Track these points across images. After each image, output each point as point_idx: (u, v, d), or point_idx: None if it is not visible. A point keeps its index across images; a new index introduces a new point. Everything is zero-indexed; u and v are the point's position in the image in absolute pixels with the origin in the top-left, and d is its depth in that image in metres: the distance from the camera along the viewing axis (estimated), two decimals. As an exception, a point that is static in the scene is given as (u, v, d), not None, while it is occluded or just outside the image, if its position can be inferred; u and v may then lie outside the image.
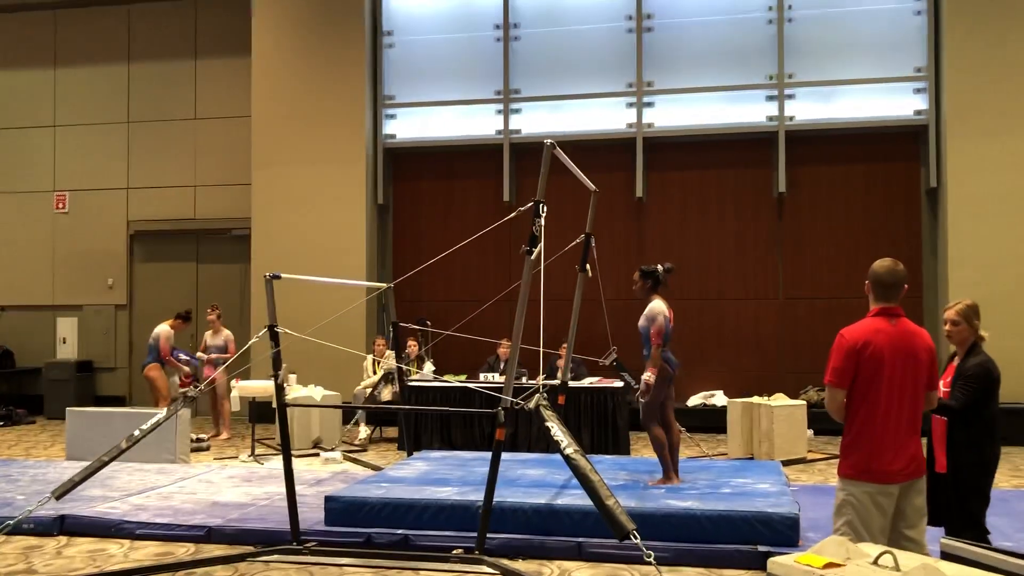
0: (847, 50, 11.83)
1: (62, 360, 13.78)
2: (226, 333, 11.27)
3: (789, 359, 12.00)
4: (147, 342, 11.20)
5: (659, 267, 6.95)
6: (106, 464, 5.59)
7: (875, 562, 3.01)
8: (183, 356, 11.01)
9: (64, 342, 14.22)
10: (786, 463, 8.49)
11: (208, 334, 11.28)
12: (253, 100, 12.87)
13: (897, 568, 2.94)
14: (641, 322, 6.82)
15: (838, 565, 3.00)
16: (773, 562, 3.13)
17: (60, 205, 14.26)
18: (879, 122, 11.77)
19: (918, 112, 11.66)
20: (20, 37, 14.43)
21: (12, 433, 11.86)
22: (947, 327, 4.68)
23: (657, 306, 6.76)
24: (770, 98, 12.01)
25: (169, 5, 13.95)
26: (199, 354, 11.12)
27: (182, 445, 9.09)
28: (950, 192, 11.15)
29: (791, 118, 11.95)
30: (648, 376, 6.62)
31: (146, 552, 5.84)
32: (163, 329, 10.91)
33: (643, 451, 9.92)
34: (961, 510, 4.51)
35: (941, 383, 4.66)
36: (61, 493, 5.39)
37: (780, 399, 9.65)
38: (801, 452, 9.26)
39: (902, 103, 11.72)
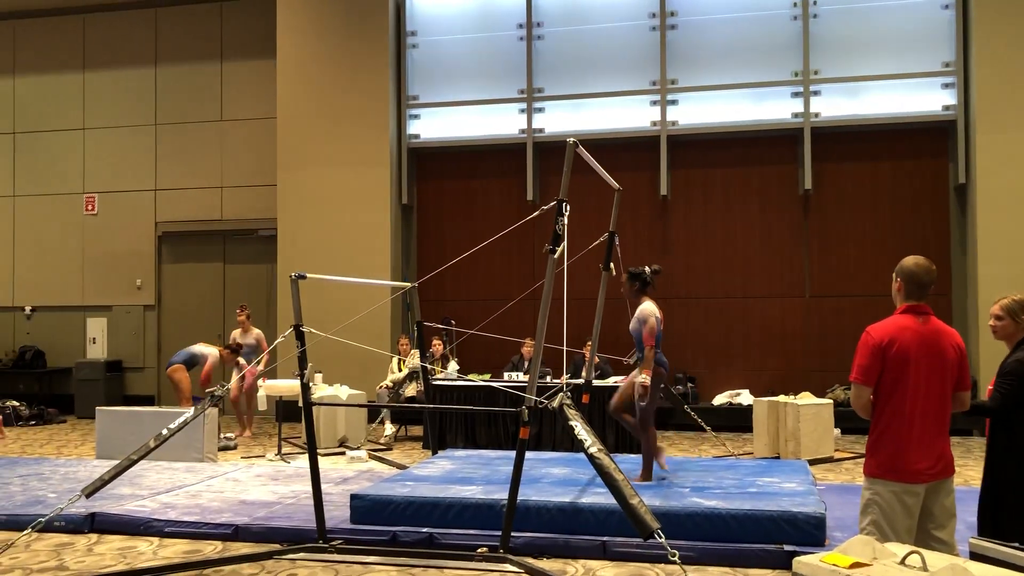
0: (873, 45, 11.72)
1: (92, 360, 13.96)
2: (256, 332, 11.37)
3: (815, 357, 11.91)
4: (180, 346, 11.35)
5: (647, 269, 6.93)
6: (135, 463, 5.65)
7: (902, 562, 2.98)
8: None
9: (94, 342, 14.41)
10: (813, 462, 8.43)
11: (237, 333, 11.38)
12: (278, 102, 12.97)
13: (925, 568, 2.91)
14: (632, 325, 6.80)
15: (865, 565, 2.97)
16: (799, 562, 3.11)
17: (90, 207, 14.45)
18: (906, 118, 11.65)
19: (946, 107, 11.52)
20: (50, 42, 14.64)
21: (44, 432, 12.03)
22: (991, 322, 4.54)
23: (648, 308, 6.75)
24: (795, 95, 11.92)
25: (195, 9, 14.09)
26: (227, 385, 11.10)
27: (209, 444, 9.18)
28: (979, 188, 11.01)
29: (817, 115, 11.85)
30: (644, 379, 6.62)
31: (174, 550, 5.90)
32: (213, 353, 10.94)
33: (668, 450, 9.88)
34: (996, 519, 4.30)
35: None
36: (91, 491, 5.47)
37: (806, 398, 9.59)
38: (828, 451, 9.19)
39: (930, 98, 11.59)
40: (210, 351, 10.99)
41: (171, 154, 14.17)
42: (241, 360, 10.96)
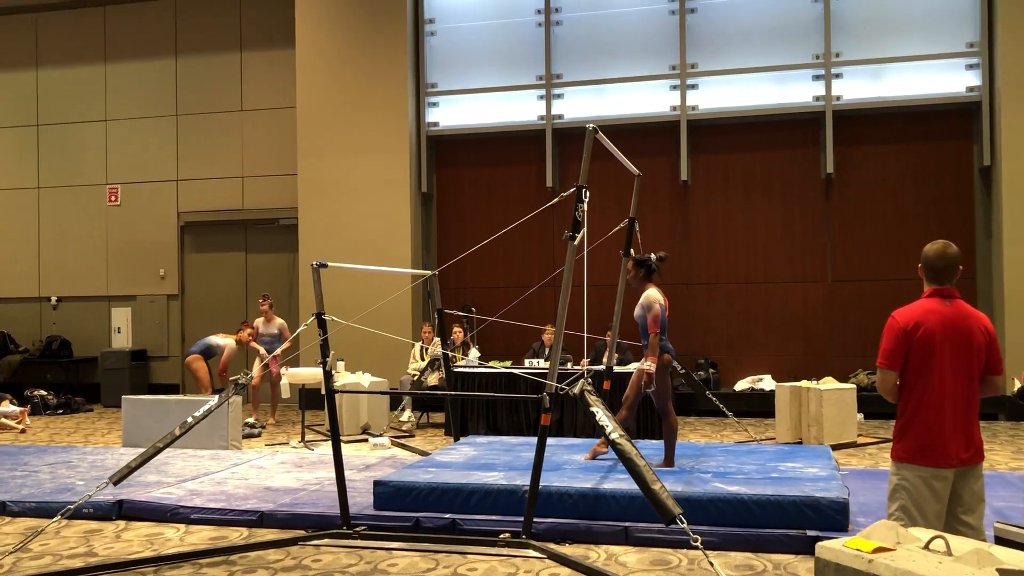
0: (895, 26, 11.58)
1: (117, 349, 14.11)
2: (279, 321, 11.44)
3: (838, 342, 11.84)
4: (204, 335, 11.48)
5: (652, 256, 6.91)
6: (161, 450, 5.72)
7: (926, 547, 2.97)
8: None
9: (119, 332, 14.56)
10: (836, 447, 8.41)
11: (260, 322, 11.45)
12: (298, 91, 13.01)
13: (949, 553, 2.90)
14: (637, 311, 6.80)
15: (888, 549, 2.97)
16: (822, 547, 3.11)
17: (113, 198, 14.57)
18: (930, 100, 11.51)
19: (971, 89, 11.37)
20: (71, 35, 14.74)
21: (71, 421, 12.19)
22: None
23: (652, 294, 6.75)
24: (816, 77, 11.81)
25: (214, -2, 14.15)
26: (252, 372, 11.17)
27: (234, 432, 9.26)
28: (1004, 170, 10.88)
29: (838, 98, 11.74)
30: (648, 365, 6.62)
31: (201, 536, 5.97)
32: (230, 344, 11.16)
33: (689, 436, 9.89)
34: None
35: None
36: (119, 479, 5.54)
37: (829, 383, 9.54)
38: (851, 436, 9.14)
39: (954, 80, 11.44)
40: (226, 342, 11.13)
41: (192, 144, 14.26)
42: (262, 349, 11.05)
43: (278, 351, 10.71)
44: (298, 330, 6.97)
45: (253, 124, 13.99)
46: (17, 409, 11.49)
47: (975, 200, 11.54)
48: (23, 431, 11.04)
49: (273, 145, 13.79)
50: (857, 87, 11.74)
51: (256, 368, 10.22)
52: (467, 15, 12.99)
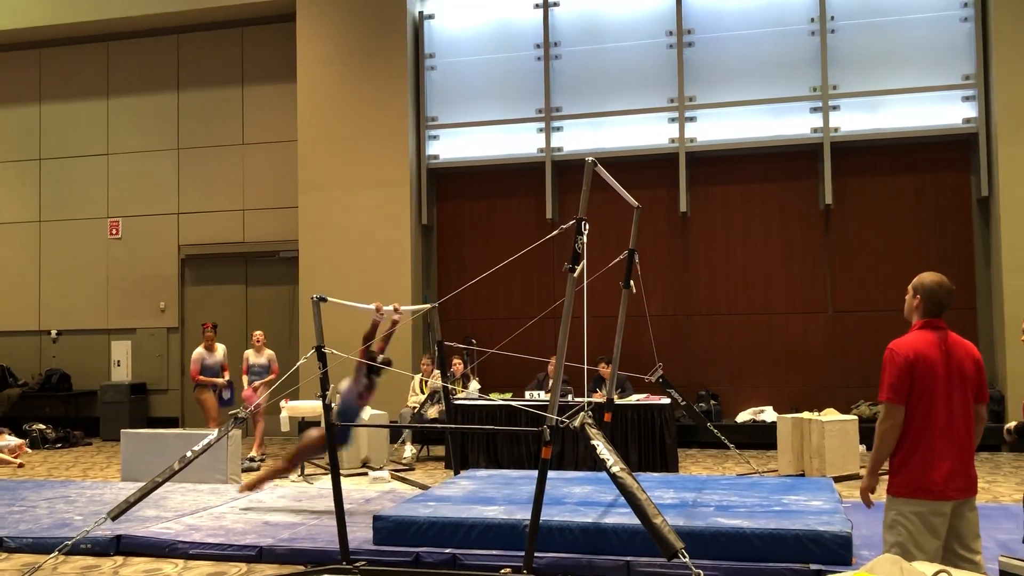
0: (892, 59, 11.68)
1: (116, 383, 14.08)
2: (269, 352, 11.39)
3: (839, 373, 11.81)
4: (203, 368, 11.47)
5: None
6: (160, 485, 5.70)
7: (930, 581, 2.94)
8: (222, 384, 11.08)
9: (118, 365, 14.53)
10: (838, 479, 8.35)
11: (250, 353, 11.40)
12: (299, 125, 13.11)
13: (953, 587, 2.87)
14: None
15: (892, 584, 2.93)
16: (825, 581, 3.08)
17: (114, 231, 14.62)
18: (927, 131, 11.58)
19: (967, 120, 11.45)
20: (74, 69, 14.86)
21: (70, 455, 12.13)
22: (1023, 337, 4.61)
23: None
24: (814, 110, 11.89)
25: (216, 34, 14.28)
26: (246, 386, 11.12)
27: (233, 465, 9.21)
28: (1002, 201, 10.92)
29: (836, 129, 11.81)
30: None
31: (199, 572, 5.92)
32: (197, 351, 11.07)
33: (691, 468, 9.83)
34: None
35: None
36: (117, 514, 5.51)
37: (831, 414, 9.50)
38: (853, 468, 9.09)
39: (950, 111, 11.53)
40: (196, 352, 11.04)
41: (193, 178, 14.32)
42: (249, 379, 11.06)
43: (259, 383, 10.72)
44: (298, 363, 6.96)
45: (254, 157, 14.07)
46: (15, 442, 11.41)
47: (974, 230, 11.58)
48: (20, 465, 10.98)
49: (274, 178, 13.86)
50: (854, 119, 11.82)
51: (247, 394, 10.26)
52: (467, 50, 13.12)
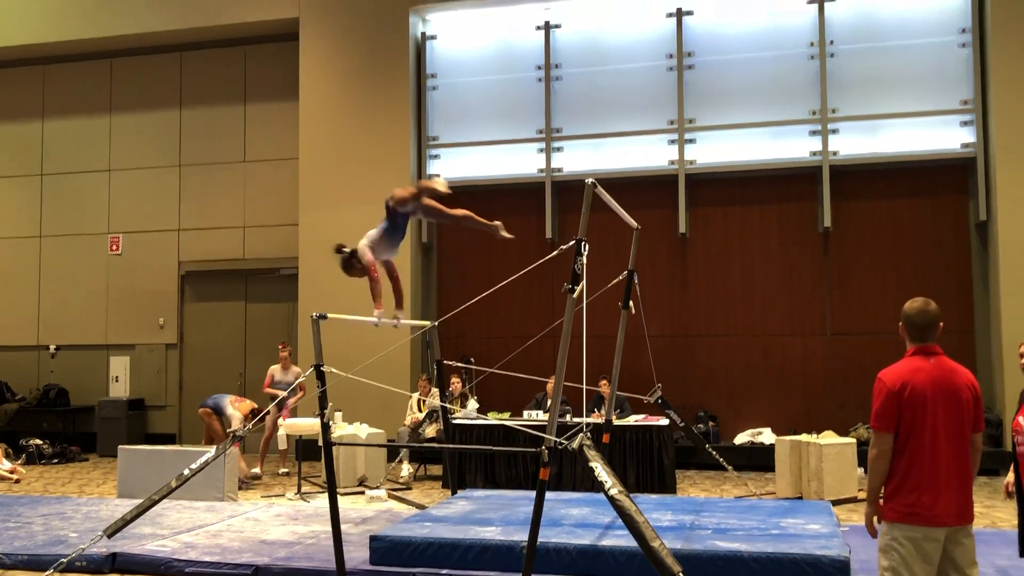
0: (891, 83, 11.75)
1: (114, 398, 14.05)
2: (296, 369, 11.35)
3: (838, 396, 11.80)
4: (202, 384, 11.38)
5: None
6: (156, 503, 5.69)
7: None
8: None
9: (116, 381, 14.51)
10: (836, 503, 8.34)
11: (276, 368, 11.38)
12: (301, 143, 13.16)
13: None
14: None
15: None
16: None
17: (114, 247, 14.64)
18: (925, 155, 11.64)
19: (965, 145, 11.51)
20: (78, 86, 14.93)
21: (66, 471, 12.09)
22: (1022, 361, 4.63)
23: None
24: (813, 133, 11.95)
25: (220, 52, 14.35)
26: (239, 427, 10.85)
27: (230, 483, 9.19)
28: (1001, 225, 10.95)
29: (835, 153, 11.87)
30: None
31: (195, 590, 5.90)
32: (237, 416, 10.66)
33: (689, 490, 9.81)
34: None
35: (1020, 417, 4.57)
36: (113, 531, 5.50)
37: (829, 437, 9.49)
38: (851, 491, 9.07)
39: (948, 136, 11.58)
40: (235, 414, 10.71)
41: (195, 194, 14.36)
42: (279, 392, 10.87)
43: (288, 401, 10.48)
44: (296, 381, 6.96)
45: (256, 175, 14.11)
46: (7, 466, 11.29)
47: (972, 254, 11.61)
48: (17, 481, 10.94)
49: (275, 195, 13.89)
50: (853, 142, 11.88)
51: (270, 416, 10.16)
52: (468, 70, 13.19)
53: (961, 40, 11.57)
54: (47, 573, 5.59)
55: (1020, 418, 4.54)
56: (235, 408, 10.77)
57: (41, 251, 14.92)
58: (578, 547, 5.80)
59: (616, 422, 9.02)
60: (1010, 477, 4.87)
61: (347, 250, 6.75)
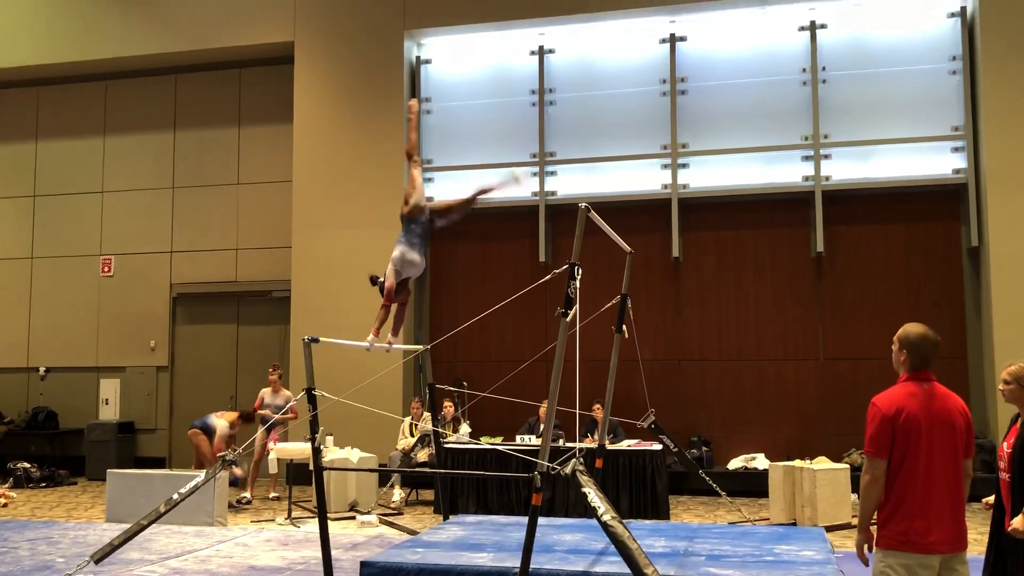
0: (882, 110, 11.84)
1: (104, 421, 13.95)
2: (286, 393, 11.28)
3: (831, 421, 11.78)
4: (193, 407, 11.34)
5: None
6: (145, 528, 5.62)
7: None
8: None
9: (106, 403, 14.41)
10: (830, 528, 8.29)
11: (267, 391, 11.33)
12: (294, 166, 13.17)
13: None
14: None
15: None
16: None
17: (106, 269, 14.59)
18: (917, 181, 11.71)
19: (957, 171, 11.58)
20: (72, 107, 14.95)
21: (54, 494, 11.97)
22: (1001, 387, 4.61)
23: None
24: (806, 158, 12.02)
25: (214, 74, 14.39)
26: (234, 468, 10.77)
27: (219, 507, 9.11)
28: (992, 251, 11.00)
29: (827, 178, 11.93)
30: None
31: (182, 617, 5.82)
32: (222, 424, 10.82)
33: (683, 515, 9.75)
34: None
35: (1005, 444, 4.56)
36: (100, 557, 5.43)
37: (823, 462, 9.46)
38: (845, 517, 9.03)
39: (940, 162, 11.66)
40: (219, 423, 10.88)
41: (187, 216, 14.34)
42: (271, 414, 10.81)
43: (277, 422, 10.47)
44: (287, 404, 6.92)
45: (249, 197, 14.11)
46: None
47: (964, 280, 11.64)
48: (4, 505, 10.82)
49: (268, 218, 13.89)
50: (846, 168, 11.95)
51: (258, 439, 10.09)
52: (463, 94, 13.25)
53: (952, 67, 11.68)
54: (32, 599, 5.51)
55: (1004, 445, 4.54)
56: (219, 418, 10.77)
57: (32, 272, 14.86)
58: (571, 573, 5.73)
59: (609, 447, 8.98)
60: (990, 499, 4.90)
61: (381, 280, 6.74)
